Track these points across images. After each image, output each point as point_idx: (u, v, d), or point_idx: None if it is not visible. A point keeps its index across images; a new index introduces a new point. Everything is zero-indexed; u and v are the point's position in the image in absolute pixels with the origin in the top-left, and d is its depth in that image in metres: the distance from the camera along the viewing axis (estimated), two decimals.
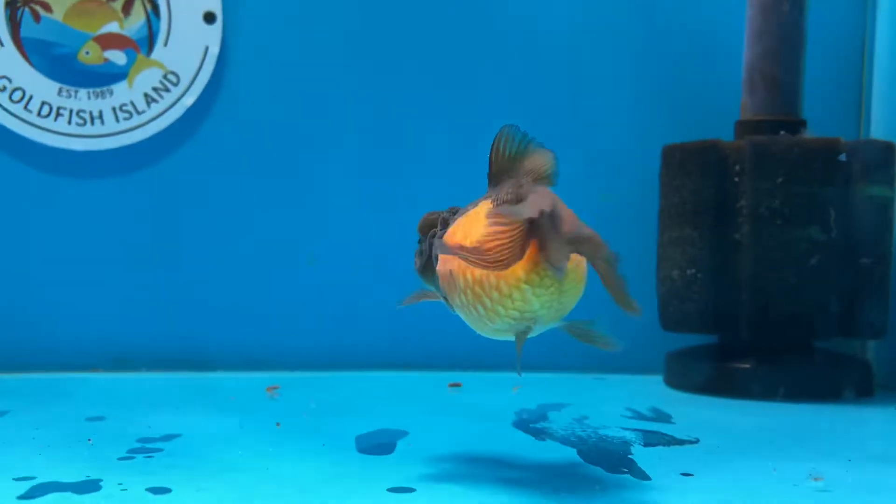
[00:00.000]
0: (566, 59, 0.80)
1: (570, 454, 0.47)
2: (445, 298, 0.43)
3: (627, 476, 0.43)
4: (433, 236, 0.44)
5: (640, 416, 0.58)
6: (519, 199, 0.38)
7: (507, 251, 0.37)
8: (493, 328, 0.41)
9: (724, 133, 0.72)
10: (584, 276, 0.41)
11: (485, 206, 0.40)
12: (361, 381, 0.72)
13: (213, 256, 0.78)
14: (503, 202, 0.39)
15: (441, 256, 0.41)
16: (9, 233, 0.76)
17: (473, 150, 0.80)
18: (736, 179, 0.66)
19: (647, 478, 0.42)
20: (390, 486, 0.40)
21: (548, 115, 0.79)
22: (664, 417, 0.58)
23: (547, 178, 0.41)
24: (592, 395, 0.68)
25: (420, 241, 0.46)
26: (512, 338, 0.42)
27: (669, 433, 0.53)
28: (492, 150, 0.41)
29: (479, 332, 0.42)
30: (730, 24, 0.79)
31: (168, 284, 0.78)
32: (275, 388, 0.67)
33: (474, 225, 0.39)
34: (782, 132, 0.66)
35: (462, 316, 0.42)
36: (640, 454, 0.47)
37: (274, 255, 0.79)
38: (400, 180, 0.79)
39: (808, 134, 0.67)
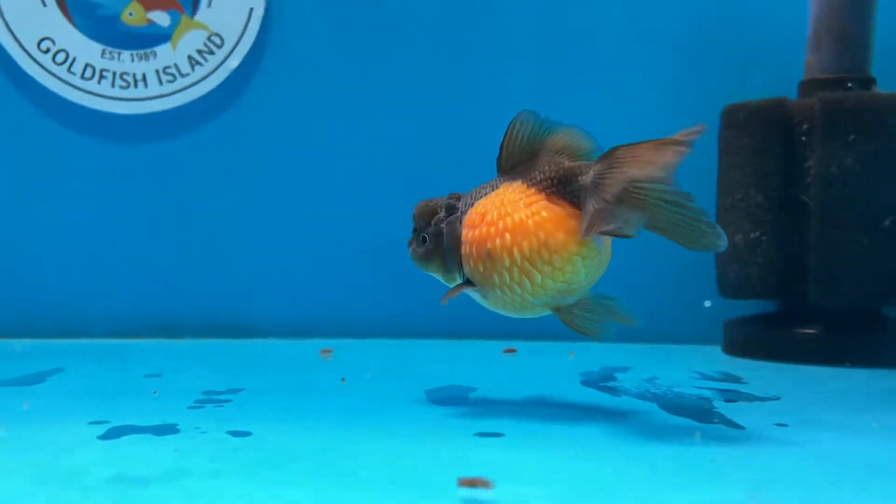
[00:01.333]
0: (623, 19, 0.78)
1: (652, 407, 0.46)
2: (468, 281, 0.43)
3: (720, 426, 0.41)
4: (439, 223, 0.45)
5: (709, 377, 0.56)
6: (565, 175, 0.40)
7: None
8: (532, 304, 0.42)
9: (786, 94, 0.70)
10: (609, 252, 0.43)
11: (512, 188, 0.41)
12: (411, 349, 0.71)
13: (256, 222, 0.77)
14: (544, 181, 0.41)
15: (470, 238, 0.42)
16: (52, 198, 0.75)
17: (537, 107, 0.80)
18: (804, 139, 0.64)
19: (741, 427, 0.41)
20: (477, 431, 0.39)
21: (602, 76, 0.78)
22: (735, 379, 0.56)
23: (585, 156, 0.42)
24: (652, 360, 0.66)
25: (417, 230, 0.46)
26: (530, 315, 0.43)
27: (746, 391, 0.51)
28: (505, 136, 0.43)
29: (505, 312, 0.43)
30: None
31: (211, 251, 0.77)
32: (328, 351, 0.65)
33: (507, 206, 0.41)
34: (850, 86, 0.64)
35: (491, 298, 0.43)
36: (723, 408, 0.45)
37: (319, 221, 0.78)
38: (447, 145, 0.77)
39: (879, 90, 0.65)
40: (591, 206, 0.39)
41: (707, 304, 0.64)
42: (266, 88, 0.77)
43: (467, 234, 0.42)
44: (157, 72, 0.76)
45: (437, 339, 0.75)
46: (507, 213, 0.41)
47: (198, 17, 0.76)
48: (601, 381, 0.54)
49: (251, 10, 0.76)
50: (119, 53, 0.75)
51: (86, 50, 0.75)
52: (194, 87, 0.76)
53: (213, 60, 0.76)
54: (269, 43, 0.76)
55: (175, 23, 0.76)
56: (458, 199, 0.45)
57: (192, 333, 0.76)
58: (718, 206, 0.70)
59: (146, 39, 0.75)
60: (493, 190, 0.43)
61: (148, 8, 0.75)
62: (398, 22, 0.77)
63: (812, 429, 0.41)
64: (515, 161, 0.42)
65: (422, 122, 0.77)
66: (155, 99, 0.76)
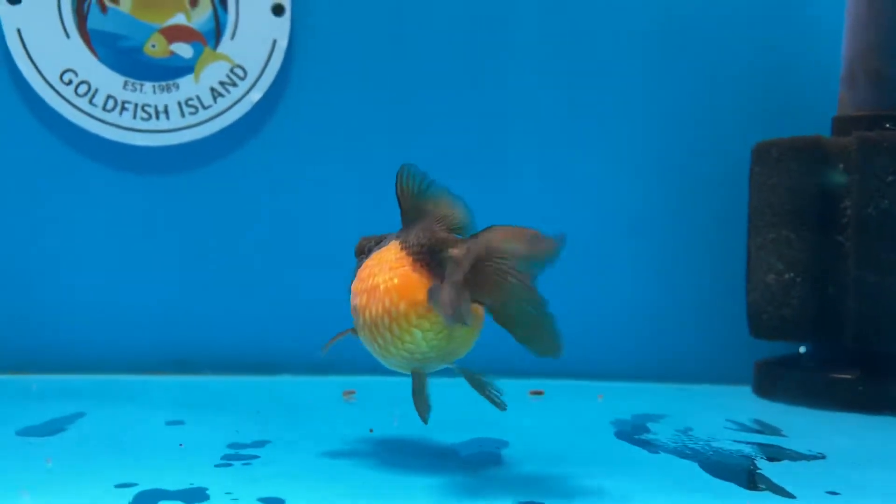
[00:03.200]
0: (649, 53, 0.77)
1: (692, 468, 0.44)
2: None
3: (768, 493, 0.39)
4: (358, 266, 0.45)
5: (746, 429, 0.55)
6: (435, 245, 0.40)
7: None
8: (389, 363, 0.44)
9: (814, 130, 0.69)
10: (479, 323, 0.41)
11: (393, 247, 0.42)
12: (435, 388, 0.69)
13: (278, 256, 0.76)
14: (414, 246, 0.41)
15: (352, 289, 0.44)
16: (72, 230, 0.74)
17: (562, 148, 0.79)
18: (839, 178, 0.62)
19: (791, 496, 0.39)
20: (519, 501, 0.37)
21: (629, 111, 0.76)
22: (773, 430, 0.54)
23: (461, 230, 0.42)
24: (684, 405, 0.64)
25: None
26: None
27: (788, 447, 0.49)
28: (396, 188, 0.43)
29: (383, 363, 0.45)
30: (814, 17, 0.76)
31: (231, 285, 0.75)
32: (351, 392, 0.64)
33: (377, 265, 0.42)
34: (888, 126, 0.63)
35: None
36: (768, 469, 0.44)
37: (342, 256, 0.76)
38: (476, 177, 0.76)
39: None
40: (447, 280, 0.38)
41: (802, 349, 0.62)
42: (288, 121, 0.76)
43: (353, 283, 0.44)
44: (179, 103, 0.75)
45: (462, 378, 0.74)
46: (373, 273, 0.42)
47: (220, 49, 0.75)
48: (635, 431, 0.53)
49: (274, 42, 0.75)
50: (141, 85, 0.74)
51: (108, 81, 0.74)
52: (216, 120, 0.75)
53: (235, 93, 0.75)
54: (292, 76, 0.76)
55: (198, 54, 0.75)
56: (378, 242, 0.45)
57: (210, 369, 0.74)
58: (749, 245, 0.69)
59: (168, 71, 0.75)
60: (386, 243, 0.43)
61: (171, 40, 0.75)
62: (424, 56, 0.76)
63: (864, 496, 0.39)
64: (409, 217, 0.43)
65: (447, 156, 0.76)
66: (177, 131, 0.75)
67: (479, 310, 0.41)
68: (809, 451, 0.48)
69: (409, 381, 0.75)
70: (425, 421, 0.43)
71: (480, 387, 0.43)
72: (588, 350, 0.76)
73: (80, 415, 0.54)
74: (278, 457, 0.45)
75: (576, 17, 0.76)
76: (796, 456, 0.47)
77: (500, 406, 0.43)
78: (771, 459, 0.46)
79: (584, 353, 0.77)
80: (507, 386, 0.70)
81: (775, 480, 0.42)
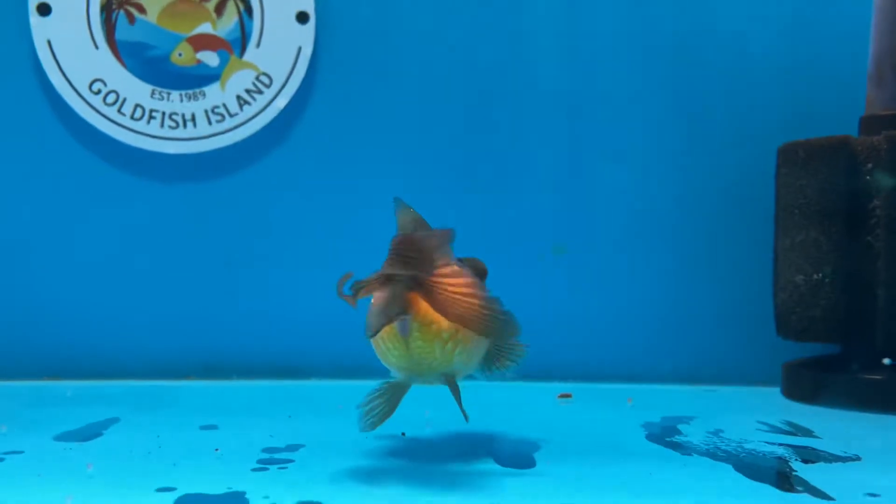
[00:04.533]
0: (672, 54, 0.77)
1: (726, 470, 0.44)
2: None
3: (806, 495, 0.39)
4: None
5: (778, 430, 0.54)
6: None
7: None
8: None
9: (840, 130, 0.69)
10: (441, 337, 0.42)
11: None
12: (464, 392, 0.69)
13: (304, 262, 0.76)
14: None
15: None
16: (102, 237, 0.75)
17: (586, 151, 0.79)
18: (868, 178, 0.62)
19: (830, 497, 0.39)
20: (554, 503, 0.38)
21: (653, 113, 0.76)
22: (806, 432, 0.54)
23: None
24: (713, 407, 0.64)
25: None
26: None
27: (822, 448, 0.49)
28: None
29: None
30: (840, 14, 0.76)
31: (259, 290, 0.76)
32: None
33: None
34: None
35: None
36: (803, 471, 0.44)
37: (368, 261, 0.77)
38: (501, 186, 0.76)
39: None
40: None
41: (886, 361, 0.62)
42: (314, 128, 0.76)
43: None
44: (205, 112, 0.76)
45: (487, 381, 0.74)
46: None
47: (246, 57, 0.76)
48: (665, 434, 0.53)
49: (299, 49, 0.76)
50: (168, 94, 0.75)
51: (136, 90, 0.75)
52: (243, 127, 0.76)
53: (261, 100, 0.76)
54: (317, 83, 0.76)
55: (224, 63, 0.76)
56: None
57: (238, 374, 0.75)
58: (777, 246, 0.69)
59: (195, 80, 0.76)
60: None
61: (197, 48, 0.76)
62: (449, 61, 0.76)
63: None
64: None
65: (471, 159, 0.76)
66: (204, 139, 0.76)
67: (437, 323, 0.42)
68: (844, 452, 0.48)
69: (435, 387, 0.75)
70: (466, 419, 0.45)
71: (456, 393, 0.45)
72: (616, 353, 0.76)
73: (115, 420, 0.55)
74: (314, 460, 0.45)
75: (596, 16, 0.76)
76: (831, 458, 0.47)
77: (465, 417, 0.45)
78: (805, 461, 0.46)
79: (611, 356, 0.77)
80: (535, 389, 0.70)
81: (812, 482, 0.41)
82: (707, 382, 0.75)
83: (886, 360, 0.62)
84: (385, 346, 0.43)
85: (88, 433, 0.51)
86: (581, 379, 0.73)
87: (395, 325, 0.42)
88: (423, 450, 0.48)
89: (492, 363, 0.48)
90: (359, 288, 0.41)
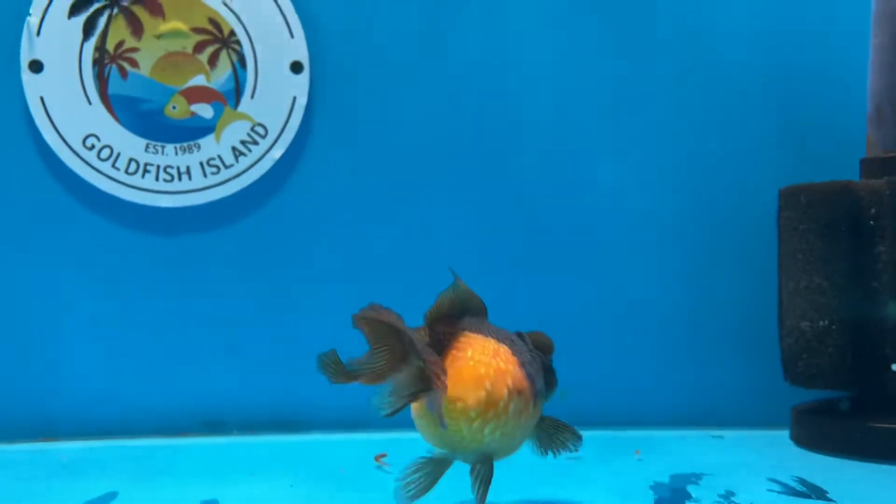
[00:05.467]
0: (669, 95, 0.76)
1: None
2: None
3: None
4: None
5: (791, 491, 0.53)
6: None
7: None
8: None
9: (843, 167, 0.68)
10: (467, 415, 0.43)
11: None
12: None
13: (306, 312, 0.75)
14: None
15: None
16: (96, 292, 0.74)
17: (579, 189, 0.78)
18: (871, 223, 0.61)
19: None
20: None
21: (654, 156, 0.76)
22: (820, 493, 0.53)
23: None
24: (722, 459, 0.63)
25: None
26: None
27: None
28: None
29: None
30: (837, 53, 0.75)
31: (258, 342, 0.75)
32: (382, 455, 0.63)
33: None
34: None
35: None
36: None
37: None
38: (501, 228, 0.76)
39: None
40: None
41: (894, 367, 0.61)
42: (310, 178, 0.76)
43: None
44: (200, 164, 0.75)
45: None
46: None
47: (241, 108, 0.75)
48: (675, 498, 0.52)
49: (294, 98, 0.75)
50: (163, 147, 0.75)
51: (130, 145, 0.74)
52: (238, 179, 0.75)
53: (256, 151, 0.75)
54: (312, 132, 0.76)
55: (218, 114, 0.75)
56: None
57: (238, 428, 0.74)
58: (781, 290, 0.68)
59: (189, 132, 0.75)
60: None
61: (191, 101, 0.75)
62: (446, 108, 0.76)
63: None
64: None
65: (475, 213, 0.76)
66: (199, 191, 0.75)
67: (475, 404, 0.42)
68: None
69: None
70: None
71: (482, 478, 0.44)
72: (621, 397, 0.75)
73: (113, 496, 0.54)
74: None
75: (603, 54, 0.76)
76: None
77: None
78: None
79: (617, 401, 0.76)
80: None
81: None
82: (713, 426, 0.74)
83: (895, 366, 0.61)
84: (418, 421, 0.44)
85: None
86: (583, 424, 0.71)
87: (425, 401, 0.42)
88: None
89: (547, 443, 0.48)
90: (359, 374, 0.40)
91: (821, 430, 0.65)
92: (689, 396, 0.75)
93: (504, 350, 0.44)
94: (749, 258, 0.75)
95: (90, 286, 0.74)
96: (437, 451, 0.45)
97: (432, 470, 0.44)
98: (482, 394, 0.42)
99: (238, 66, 0.75)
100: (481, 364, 0.43)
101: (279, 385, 0.75)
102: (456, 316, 0.44)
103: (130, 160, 0.75)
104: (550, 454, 0.48)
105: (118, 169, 0.74)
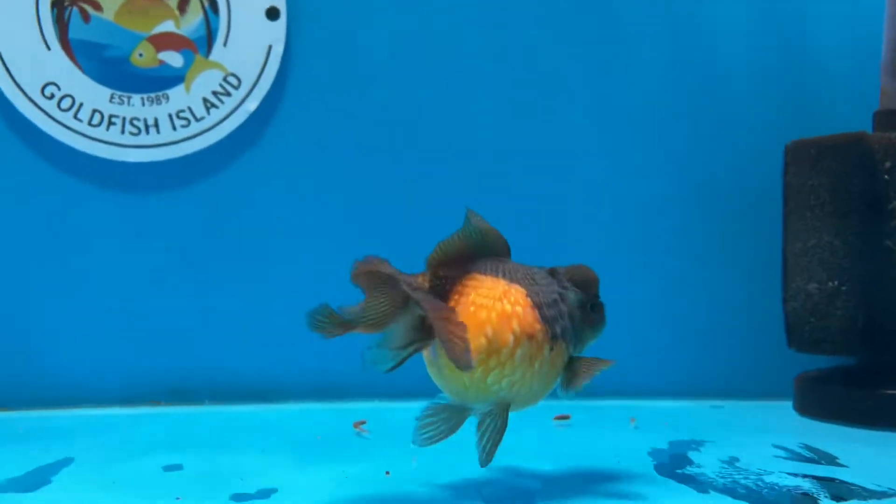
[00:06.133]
0: (673, 49, 0.72)
1: None
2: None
3: None
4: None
5: (798, 457, 0.50)
6: None
7: None
8: None
9: (849, 126, 0.64)
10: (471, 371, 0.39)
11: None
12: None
13: (278, 275, 0.71)
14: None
15: None
16: (57, 253, 0.69)
17: (566, 149, 0.74)
18: (886, 177, 0.57)
19: None
20: None
21: (654, 114, 0.72)
22: (829, 458, 0.49)
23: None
24: (723, 428, 0.59)
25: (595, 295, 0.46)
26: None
27: (851, 480, 0.44)
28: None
29: None
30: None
31: (230, 306, 0.71)
32: (361, 423, 0.59)
33: None
34: None
35: None
36: None
37: (344, 271, 0.72)
38: (481, 185, 0.71)
39: None
40: None
41: None
42: (286, 131, 0.71)
43: None
44: (170, 116, 0.70)
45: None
46: None
47: (213, 57, 0.70)
48: (675, 464, 0.48)
49: (270, 47, 0.70)
50: (129, 98, 0.70)
51: (93, 94, 0.69)
52: (210, 132, 0.70)
53: (229, 103, 0.70)
54: (288, 83, 0.71)
55: (188, 63, 0.70)
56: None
57: (210, 397, 0.70)
58: (786, 251, 0.64)
59: (157, 82, 0.70)
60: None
61: (159, 48, 0.70)
62: (427, 57, 0.71)
63: None
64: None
65: (452, 164, 0.71)
66: (168, 145, 0.70)
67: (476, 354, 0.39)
68: (878, 486, 0.43)
69: (417, 408, 0.70)
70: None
71: (492, 431, 0.41)
72: (617, 367, 0.71)
73: (68, 462, 0.50)
74: None
75: (602, 13, 0.72)
76: (865, 493, 0.42)
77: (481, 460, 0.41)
78: (837, 499, 0.41)
79: (612, 371, 0.72)
80: (530, 411, 0.65)
81: None
82: (711, 397, 0.70)
83: None
84: (429, 369, 0.42)
85: (34, 480, 0.46)
86: (580, 396, 0.67)
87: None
88: (411, 491, 0.43)
89: (570, 383, 0.43)
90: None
91: (827, 399, 0.61)
92: (685, 366, 0.72)
93: (515, 291, 0.40)
94: (752, 218, 0.71)
95: (50, 245, 0.69)
96: (452, 399, 0.41)
97: (448, 417, 0.41)
98: (482, 341, 0.39)
99: (210, 11, 0.70)
100: (483, 308, 0.39)
101: (254, 352, 0.71)
102: (470, 258, 0.41)
103: (94, 111, 0.70)
104: (569, 393, 0.43)
105: (80, 120, 0.69)
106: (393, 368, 0.38)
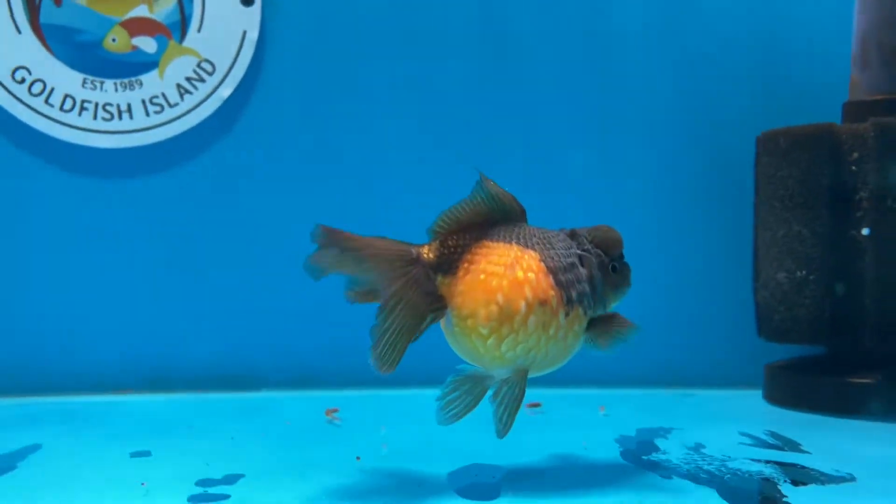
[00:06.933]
0: (647, 42, 0.72)
1: (711, 496, 0.40)
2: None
3: None
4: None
5: (762, 444, 0.50)
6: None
7: None
8: None
9: (820, 117, 0.65)
10: (478, 332, 0.40)
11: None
12: (424, 400, 0.64)
13: (254, 262, 0.71)
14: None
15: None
16: (30, 240, 0.69)
17: (533, 138, 0.74)
18: (854, 168, 0.58)
19: None
20: None
21: (627, 105, 0.72)
22: (792, 445, 0.50)
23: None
24: (692, 415, 0.60)
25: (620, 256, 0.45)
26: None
27: (812, 466, 0.45)
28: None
29: None
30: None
31: (204, 294, 0.70)
32: (334, 410, 0.59)
33: None
34: None
35: None
36: (795, 496, 0.40)
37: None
38: (454, 171, 0.71)
39: None
40: None
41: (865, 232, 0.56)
42: (261, 118, 0.70)
43: None
44: (143, 102, 0.70)
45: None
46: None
47: (187, 43, 0.70)
48: (642, 450, 0.49)
49: (244, 33, 0.70)
50: (102, 83, 0.69)
51: (65, 79, 0.69)
52: (184, 118, 0.70)
53: (203, 89, 0.70)
54: (264, 69, 0.70)
55: (162, 49, 0.70)
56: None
57: (185, 385, 0.70)
58: (757, 241, 0.65)
59: (131, 67, 0.69)
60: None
61: (133, 33, 0.69)
62: (399, 48, 0.71)
63: None
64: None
65: (425, 153, 0.71)
66: (141, 131, 0.70)
67: (486, 320, 0.39)
68: (837, 471, 0.44)
69: (393, 396, 0.69)
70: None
71: (509, 400, 0.41)
72: (586, 355, 0.71)
73: (36, 448, 0.49)
74: (252, 496, 0.40)
75: (576, 11, 0.72)
76: (824, 478, 0.43)
77: (498, 431, 0.41)
78: (796, 483, 0.42)
79: (582, 359, 0.72)
80: None
81: None
82: (683, 386, 0.71)
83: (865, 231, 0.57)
84: (448, 337, 0.41)
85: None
86: (550, 384, 0.68)
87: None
88: (379, 478, 0.43)
89: (596, 341, 0.44)
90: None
91: (794, 387, 0.62)
92: (657, 355, 0.72)
93: (529, 257, 0.40)
94: (724, 208, 0.71)
95: (21, 232, 0.69)
96: (472, 367, 0.41)
97: (472, 387, 0.41)
98: (493, 308, 0.39)
99: None
100: (494, 276, 0.39)
101: (228, 339, 0.70)
102: (484, 224, 0.41)
103: (66, 96, 0.69)
104: (602, 348, 0.44)
105: (52, 105, 0.69)
106: (413, 340, 0.39)
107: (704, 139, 0.72)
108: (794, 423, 0.57)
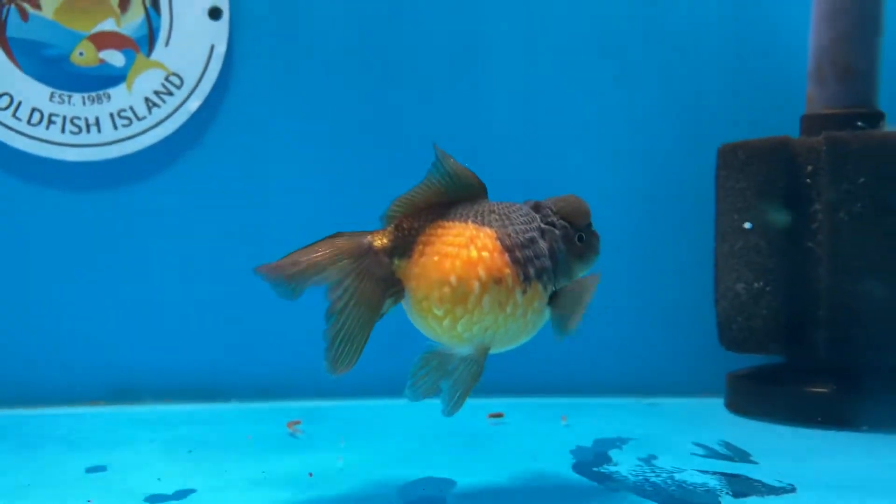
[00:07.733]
0: (608, 54, 0.73)
1: None
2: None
3: None
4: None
5: (714, 454, 0.51)
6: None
7: None
8: None
9: (781, 130, 0.66)
10: (433, 313, 0.40)
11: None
12: (388, 411, 0.65)
13: (223, 274, 0.71)
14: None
15: None
16: None
17: (493, 151, 0.75)
18: (808, 181, 0.59)
19: None
20: None
21: (592, 115, 0.73)
22: (742, 455, 0.51)
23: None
24: (651, 425, 0.60)
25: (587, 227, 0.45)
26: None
27: (756, 477, 0.46)
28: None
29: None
30: (779, 9, 0.73)
31: (173, 305, 0.71)
32: (296, 423, 0.60)
33: None
34: (860, 125, 0.59)
35: None
36: None
37: None
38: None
39: (889, 127, 0.60)
40: None
41: (746, 225, 0.57)
42: (229, 131, 0.71)
43: None
44: (111, 115, 0.70)
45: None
46: None
47: (154, 57, 0.70)
48: (595, 462, 0.49)
49: (212, 47, 0.70)
50: (69, 96, 0.70)
51: (32, 93, 0.69)
52: (152, 131, 0.70)
53: (171, 102, 0.70)
54: (232, 83, 0.71)
55: (130, 62, 0.70)
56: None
57: (152, 397, 0.70)
58: (717, 252, 0.65)
59: (98, 81, 0.70)
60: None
61: (100, 47, 0.70)
62: (366, 62, 0.72)
63: None
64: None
65: (393, 167, 0.72)
66: (109, 145, 0.70)
67: (440, 302, 0.40)
68: (779, 482, 0.45)
69: (358, 406, 0.70)
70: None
71: (465, 378, 0.41)
72: (552, 364, 0.72)
73: None
74: None
75: (543, 20, 0.72)
76: (765, 489, 0.43)
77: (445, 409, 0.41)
78: (737, 495, 0.42)
79: (547, 368, 0.73)
80: (465, 408, 0.66)
81: None
82: (649, 394, 0.71)
83: (747, 224, 0.58)
84: (410, 316, 0.41)
85: None
86: (515, 394, 0.69)
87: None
88: (329, 494, 0.44)
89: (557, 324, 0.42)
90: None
91: (752, 396, 0.63)
92: (623, 364, 0.73)
93: (485, 235, 0.39)
94: (685, 220, 0.72)
95: None
96: (438, 344, 0.41)
97: (439, 364, 0.41)
98: (446, 290, 0.39)
99: (151, 10, 0.70)
100: (447, 257, 0.39)
101: (196, 351, 0.71)
102: (442, 204, 0.40)
103: (33, 110, 0.69)
104: (564, 333, 0.42)
105: (19, 119, 0.69)
106: (376, 320, 0.40)
107: (671, 151, 0.73)
108: (749, 431, 0.58)
